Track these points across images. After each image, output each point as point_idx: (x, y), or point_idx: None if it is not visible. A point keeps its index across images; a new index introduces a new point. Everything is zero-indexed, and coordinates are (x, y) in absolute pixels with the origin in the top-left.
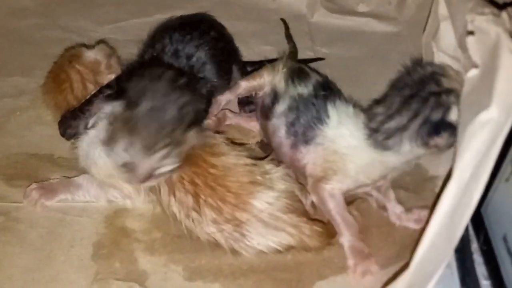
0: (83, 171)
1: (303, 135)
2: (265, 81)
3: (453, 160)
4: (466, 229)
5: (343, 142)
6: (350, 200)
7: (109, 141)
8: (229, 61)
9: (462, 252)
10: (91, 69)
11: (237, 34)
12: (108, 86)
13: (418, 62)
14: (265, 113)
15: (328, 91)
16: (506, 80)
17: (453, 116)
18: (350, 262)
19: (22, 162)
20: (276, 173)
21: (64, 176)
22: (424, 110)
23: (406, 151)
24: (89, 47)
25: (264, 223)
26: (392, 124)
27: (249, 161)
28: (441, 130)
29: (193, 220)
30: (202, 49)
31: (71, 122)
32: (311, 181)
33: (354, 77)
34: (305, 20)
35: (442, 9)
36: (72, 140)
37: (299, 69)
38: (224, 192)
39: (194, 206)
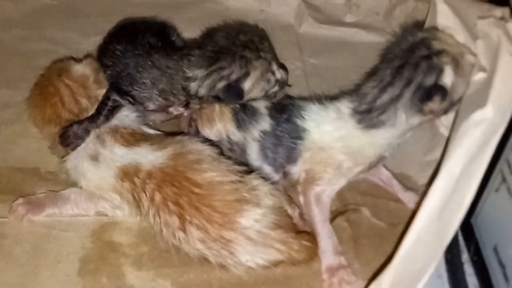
0: (70, 185)
1: (289, 160)
2: (215, 132)
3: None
4: (457, 240)
5: (327, 137)
6: (341, 211)
7: None
8: None
9: (452, 262)
10: (80, 83)
11: None
12: (108, 98)
13: (407, 30)
14: (240, 157)
15: (287, 110)
16: (504, 82)
17: (447, 77)
18: (324, 276)
19: (7, 176)
20: (263, 188)
21: (50, 190)
22: (417, 76)
23: (401, 122)
24: (77, 60)
25: (252, 241)
26: (385, 97)
27: (235, 177)
28: (433, 94)
29: (179, 239)
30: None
31: (80, 132)
32: (302, 183)
33: (343, 88)
34: (293, 31)
35: (442, 19)
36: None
37: (243, 108)
38: (210, 212)
39: (179, 226)
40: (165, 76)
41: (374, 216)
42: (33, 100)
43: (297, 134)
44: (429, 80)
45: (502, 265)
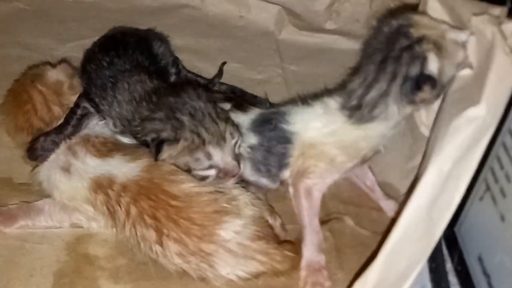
0: (44, 196)
1: (281, 166)
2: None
3: (430, 151)
4: (440, 249)
5: (317, 134)
6: (324, 220)
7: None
8: None
9: (437, 272)
10: (54, 90)
11: (204, 51)
12: (78, 106)
13: (382, 21)
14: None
15: (272, 120)
16: (497, 81)
17: (432, 64)
18: (302, 273)
19: None
20: (243, 198)
21: (23, 201)
22: (401, 68)
23: (394, 114)
24: (53, 66)
25: (232, 253)
26: (373, 93)
27: (213, 187)
28: (422, 84)
29: (156, 253)
30: None
31: (47, 144)
32: (293, 175)
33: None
34: (273, 37)
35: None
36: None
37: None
38: (188, 225)
39: (156, 240)
40: (130, 104)
41: (357, 225)
42: (6, 107)
43: (286, 139)
44: (415, 70)
45: (486, 275)
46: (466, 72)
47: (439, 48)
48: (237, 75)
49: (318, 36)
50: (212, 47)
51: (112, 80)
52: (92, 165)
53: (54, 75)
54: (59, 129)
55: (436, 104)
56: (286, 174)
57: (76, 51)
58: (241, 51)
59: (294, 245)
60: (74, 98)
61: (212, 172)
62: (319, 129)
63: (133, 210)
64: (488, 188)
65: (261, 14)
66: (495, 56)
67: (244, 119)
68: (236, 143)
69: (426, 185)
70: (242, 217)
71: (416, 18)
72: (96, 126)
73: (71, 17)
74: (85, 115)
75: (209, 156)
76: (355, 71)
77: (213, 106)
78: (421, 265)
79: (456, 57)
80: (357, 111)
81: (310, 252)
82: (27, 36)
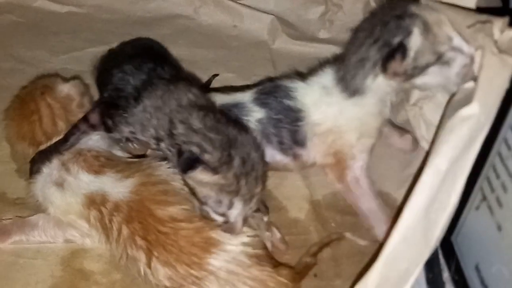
0: (39, 210)
1: (295, 142)
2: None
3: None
4: (437, 258)
5: (326, 116)
6: (325, 242)
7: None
8: None
9: (434, 282)
10: (63, 105)
11: (198, 61)
12: (79, 128)
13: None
14: None
15: (275, 92)
16: (488, 81)
17: (414, 40)
18: None
19: None
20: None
21: (17, 216)
22: (384, 34)
23: (370, 85)
24: (63, 79)
25: (223, 280)
26: (356, 56)
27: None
28: (395, 53)
29: (145, 274)
30: None
31: (40, 158)
32: (332, 174)
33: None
34: (267, 47)
35: None
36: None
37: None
38: (177, 252)
39: (146, 263)
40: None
41: (355, 235)
42: (11, 113)
43: (295, 117)
44: (396, 40)
45: (484, 285)
46: (469, 85)
47: (427, 30)
48: (231, 84)
49: (311, 46)
50: (205, 57)
51: (149, 88)
52: (85, 181)
53: (65, 89)
54: (56, 146)
55: (436, 118)
56: (302, 152)
57: (69, 63)
58: (235, 60)
59: (292, 270)
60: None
61: (219, 219)
62: (324, 111)
63: (125, 231)
64: (484, 198)
65: (254, 24)
66: (485, 57)
67: (243, 96)
68: (252, 211)
69: (424, 186)
70: (233, 246)
71: (429, 2)
72: (89, 141)
73: (64, 29)
74: (83, 134)
75: (230, 206)
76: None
77: (263, 166)
78: (420, 267)
79: (440, 47)
80: (344, 82)
81: (382, 228)
82: (20, 49)
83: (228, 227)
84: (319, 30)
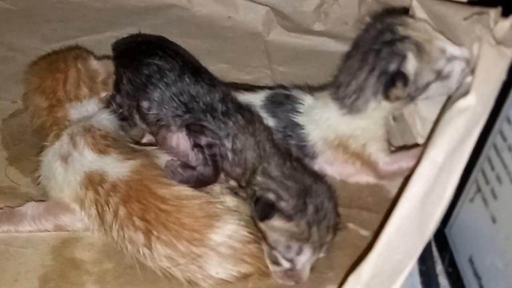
0: (28, 199)
1: (305, 156)
2: None
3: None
4: (431, 250)
5: (332, 128)
6: None
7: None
8: None
9: (427, 274)
10: (90, 75)
11: (191, 51)
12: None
13: (377, 16)
14: None
15: (284, 103)
16: (485, 72)
17: (409, 64)
18: None
19: None
20: (233, 202)
21: (7, 206)
22: (380, 62)
23: (374, 109)
24: (96, 57)
25: (222, 255)
26: (353, 84)
27: (204, 192)
28: (396, 80)
29: (144, 255)
30: None
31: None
32: (368, 179)
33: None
34: (261, 38)
35: None
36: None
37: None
38: (179, 229)
39: (145, 243)
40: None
41: (347, 227)
42: (37, 69)
43: (301, 133)
44: (392, 66)
45: (477, 277)
46: (470, 79)
47: (420, 50)
48: (225, 76)
49: (306, 38)
50: (199, 47)
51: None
52: (88, 159)
53: (96, 65)
54: None
55: (432, 114)
56: (314, 163)
57: None
58: (229, 51)
59: None
60: (103, 94)
61: (286, 265)
62: (330, 125)
63: (122, 211)
64: (478, 190)
65: (249, 15)
66: (481, 48)
67: (254, 98)
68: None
69: (420, 177)
70: (234, 221)
71: (410, 20)
72: (104, 120)
73: (56, 17)
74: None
75: (299, 252)
76: (345, 60)
77: (335, 216)
78: (414, 259)
79: (437, 65)
80: (343, 101)
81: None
82: (12, 36)
83: (293, 274)
84: (314, 22)
